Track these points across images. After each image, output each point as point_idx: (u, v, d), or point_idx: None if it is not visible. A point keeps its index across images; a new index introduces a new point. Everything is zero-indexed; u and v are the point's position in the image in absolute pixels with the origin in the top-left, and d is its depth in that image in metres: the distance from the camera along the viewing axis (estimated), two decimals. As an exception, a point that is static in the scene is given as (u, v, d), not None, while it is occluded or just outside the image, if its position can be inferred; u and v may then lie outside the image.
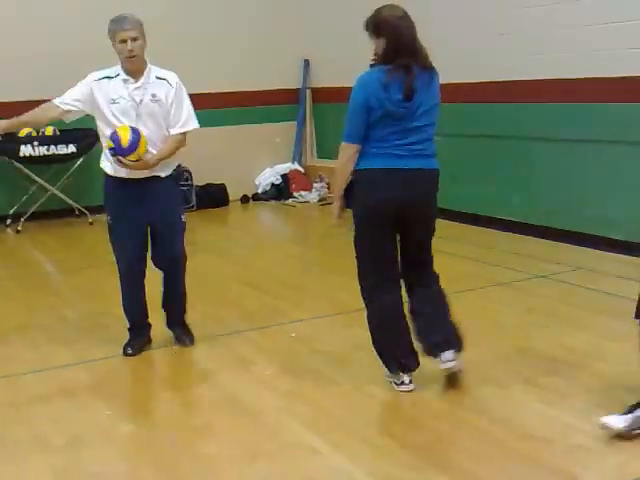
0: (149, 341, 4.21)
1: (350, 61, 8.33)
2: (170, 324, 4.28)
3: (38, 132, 7.55)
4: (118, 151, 3.73)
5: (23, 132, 7.41)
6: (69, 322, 4.82)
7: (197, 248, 7.17)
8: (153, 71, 3.95)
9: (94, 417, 3.40)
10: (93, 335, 4.54)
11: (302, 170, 9.05)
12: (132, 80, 3.87)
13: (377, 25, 3.32)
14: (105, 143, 3.88)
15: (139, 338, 4.17)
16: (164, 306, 4.28)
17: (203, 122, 9.00)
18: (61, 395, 3.65)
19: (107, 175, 3.97)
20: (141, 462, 3.02)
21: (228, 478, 2.89)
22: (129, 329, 4.20)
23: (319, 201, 8.61)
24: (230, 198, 8.64)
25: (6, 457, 3.05)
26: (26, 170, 7.67)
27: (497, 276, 4.92)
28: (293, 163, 9.07)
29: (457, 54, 6.75)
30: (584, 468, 2.84)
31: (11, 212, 7.69)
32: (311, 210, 8.42)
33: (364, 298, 3.55)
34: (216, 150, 8.54)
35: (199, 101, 8.56)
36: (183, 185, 8.33)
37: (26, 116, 4.14)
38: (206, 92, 8.51)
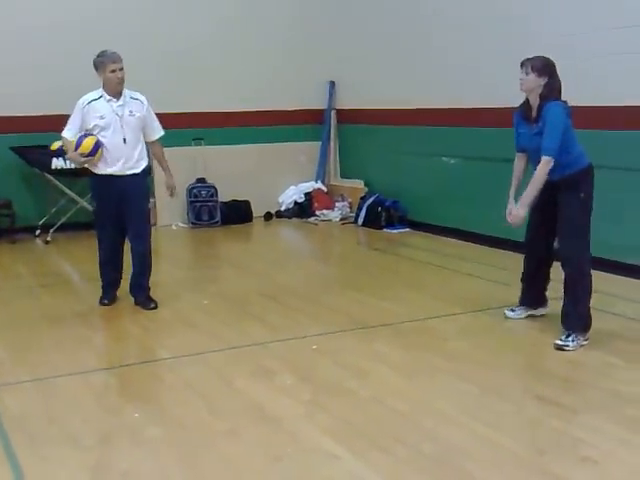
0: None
1: (373, 84, 8.64)
2: (132, 290, 5.35)
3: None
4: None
5: (55, 146, 7.64)
6: (98, 329, 5.00)
7: (221, 262, 7.40)
8: (127, 93, 5.15)
9: (123, 419, 3.55)
10: (121, 342, 4.71)
11: (325, 189, 9.22)
12: (114, 100, 5.09)
13: (547, 67, 4.34)
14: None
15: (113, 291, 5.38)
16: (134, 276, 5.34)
17: (229, 140, 9.28)
18: (91, 398, 3.81)
19: (93, 173, 5.22)
20: (168, 462, 3.16)
21: (250, 479, 3.02)
22: (103, 287, 5.34)
23: (340, 220, 8.77)
24: (254, 215, 8.83)
25: (40, 456, 3.20)
26: (57, 182, 7.91)
27: (513, 297, 5.03)
28: (316, 182, 9.25)
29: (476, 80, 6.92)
30: (594, 481, 2.95)
31: (41, 223, 7.92)
32: (332, 228, 8.58)
33: (585, 269, 4.41)
34: (241, 167, 8.76)
35: (226, 119, 8.95)
36: (209, 201, 8.57)
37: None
38: (233, 111, 8.78)
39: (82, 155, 5.10)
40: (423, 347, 4.45)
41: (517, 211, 4.44)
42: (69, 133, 5.16)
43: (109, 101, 5.09)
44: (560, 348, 4.33)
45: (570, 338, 4.35)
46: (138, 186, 5.23)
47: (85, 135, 5.12)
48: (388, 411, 3.57)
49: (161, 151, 5.41)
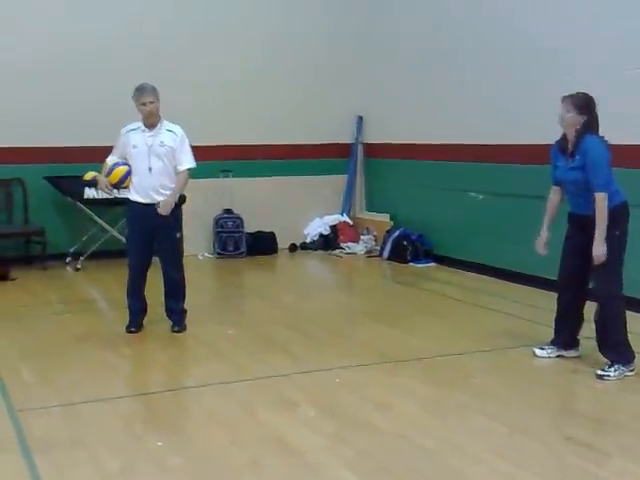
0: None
1: (401, 118, 8.70)
2: (167, 313, 5.51)
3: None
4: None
5: (88, 176, 7.76)
6: (125, 356, 5.05)
7: (246, 292, 7.45)
8: (165, 124, 5.33)
9: (147, 447, 3.57)
10: (147, 369, 4.75)
11: (351, 222, 9.26)
12: (148, 130, 5.28)
13: (587, 104, 4.41)
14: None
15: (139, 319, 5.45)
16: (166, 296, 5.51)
17: (257, 172, 9.37)
18: (117, 424, 3.84)
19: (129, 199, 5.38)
20: (190, 491, 3.16)
21: (272, 511, 3.01)
22: (130, 314, 5.43)
23: (366, 253, 8.78)
24: (279, 246, 8.88)
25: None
26: (88, 211, 8.04)
27: (540, 335, 4.98)
28: (342, 215, 9.29)
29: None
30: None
31: (72, 250, 8.03)
32: (357, 261, 8.59)
33: (620, 307, 4.43)
34: (268, 199, 8.84)
35: (254, 152, 9.06)
36: (235, 232, 8.64)
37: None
38: (261, 143, 8.90)
39: (110, 183, 5.33)
40: (449, 383, 4.42)
41: (597, 250, 4.33)
42: (110, 157, 5.40)
43: (143, 131, 5.30)
44: (601, 377, 4.28)
45: (612, 368, 4.30)
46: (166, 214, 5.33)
47: (118, 164, 5.29)
48: (412, 447, 3.54)
49: (181, 181, 5.36)
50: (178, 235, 5.45)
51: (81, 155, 7.77)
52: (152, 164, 5.25)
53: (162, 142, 5.26)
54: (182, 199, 5.64)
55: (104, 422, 3.85)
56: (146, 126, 5.28)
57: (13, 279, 7.25)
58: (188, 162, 5.37)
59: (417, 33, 8.38)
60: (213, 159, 8.43)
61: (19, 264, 7.58)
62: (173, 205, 5.32)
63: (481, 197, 7.69)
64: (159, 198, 5.28)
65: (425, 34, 8.26)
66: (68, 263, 7.98)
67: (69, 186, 7.89)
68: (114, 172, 5.28)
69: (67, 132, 7.93)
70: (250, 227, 8.73)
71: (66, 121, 7.91)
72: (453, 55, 7.92)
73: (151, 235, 5.33)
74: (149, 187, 5.27)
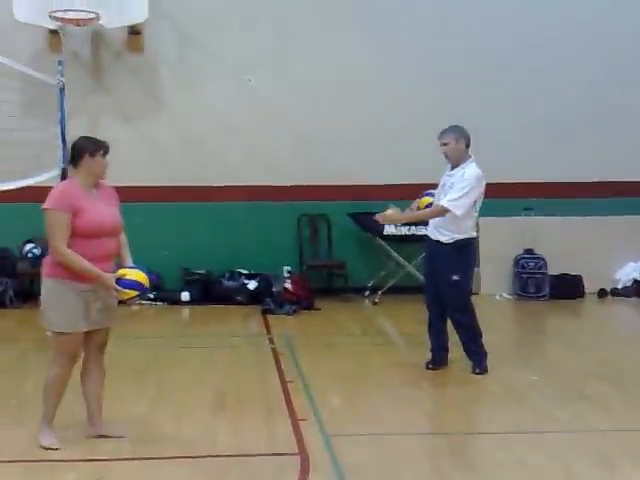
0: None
1: None
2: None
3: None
4: None
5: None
6: (425, 392, 4.98)
7: (549, 337, 7.02)
8: (466, 166, 5.16)
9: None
10: (448, 408, 4.64)
11: (669, 268, 8.31)
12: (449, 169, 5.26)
13: None
14: None
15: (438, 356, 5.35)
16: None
17: (560, 211, 8.85)
18: (423, 459, 3.76)
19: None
20: None
21: None
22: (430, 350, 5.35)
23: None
24: (586, 291, 8.30)
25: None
26: (387, 247, 8.26)
27: None
28: (659, 259, 8.40)
29: None
30: None
31: (370, 285, 8.31)
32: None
33: None
34: (573, 240, 8.30)
35: (558, 189, 8.59)
36: (536, 273, 8.24)
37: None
38: (565, 181, 8.43)
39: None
40: None
41: None
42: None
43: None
44: None
45: None
46: (439, 254, 5.16)
47: (429, 194, 5.35)
48: None
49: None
50: (455, 277, 5.13)
51: (380, 192, 8.05)
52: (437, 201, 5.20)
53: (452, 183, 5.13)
54: (463, 242, 5.23)
55: (411, 455, 3.79)
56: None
57: (317, 309, 7.69)
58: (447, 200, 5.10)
59: None
60: (515, 196, 8.22)
61: (322, 295, 7.99)
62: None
63: None
64: (435, 236, 5.21)
65: None
66: (366, 296, 8.25)
67: (372, 223, 8.19)
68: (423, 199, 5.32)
69: (369, 171, 8.29)
70: (553, 269, 8.26)
71: (367, 160, 8.28)
72: None
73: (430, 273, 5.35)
74: (433, 222, 5.28)
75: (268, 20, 8.31)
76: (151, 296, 7.60)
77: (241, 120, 8.30)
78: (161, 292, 7.92)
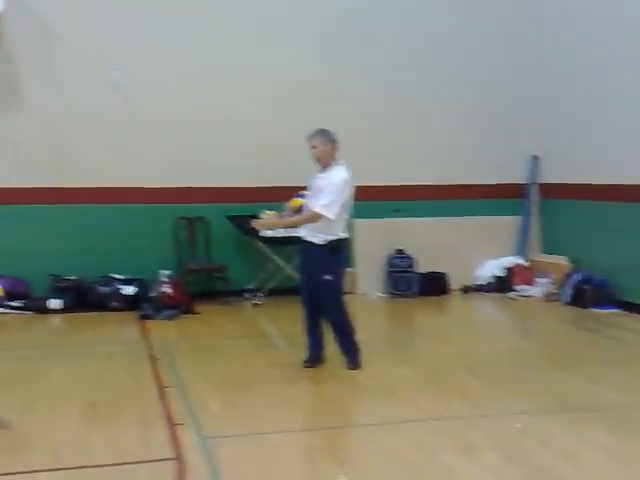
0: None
1: (581, 158, 8.32)
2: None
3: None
4: None
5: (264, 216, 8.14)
6: (301, 389, 5.16)
7: (419, 332, 7.38)
8: (335, 168, 5.38)
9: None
10: (324, 404, 4.81)
11: (526, 264, 8.94)
12: (320, 172, 5.41)
13: None
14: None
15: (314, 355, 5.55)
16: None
17: (429, 212, 9.33)
18: (298, 456, 3.93)
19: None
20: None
21: None
22: (307, 349, 5.56)
23: (545, 296, 8.40)
24: (451, 287, 8.76)
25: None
26: (266, 249, 8.36)
27: None
28: (517, 257, 9.00)
29: None
30: None
31: (251, 287, 8.36)
32: (532, 305, 8.26)
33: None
34: (440, 240, 8.77)
35: (425, 192, 9.07)
36: (406, 271, 8.62)
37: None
38: (433, 184, 8.91)
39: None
40: (636, 434, 4.13)
41: None
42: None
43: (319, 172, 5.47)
44: None
45: None
46: (313, 255, 5.38)
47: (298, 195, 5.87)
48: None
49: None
50: (327, 277, 5.34)
51: (258, 195, 8.15)
52: (308, 202, 5.51)
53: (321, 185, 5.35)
54: (333, 243, 5.41)
55: (286, 453, 3.92)
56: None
57: (197, 313, 7.67)
58: (318, 201, 5.30)
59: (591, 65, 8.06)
60: (384, 199, 8.56)
61: (203, 299, 7.97)
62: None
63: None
64: (308, 238, 5.44)
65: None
66: (247, 298, 8.31)
67: (248, 225, 8.27)
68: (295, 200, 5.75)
69: (247, 173, 8.32)
70: (422, 267, 8.67)
71: (247, 164, 8.30)
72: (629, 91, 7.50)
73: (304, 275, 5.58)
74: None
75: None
76: (18, 304, 7.32)
77: (108, 118, 8.00)
78: (29, 300, 7.62)
